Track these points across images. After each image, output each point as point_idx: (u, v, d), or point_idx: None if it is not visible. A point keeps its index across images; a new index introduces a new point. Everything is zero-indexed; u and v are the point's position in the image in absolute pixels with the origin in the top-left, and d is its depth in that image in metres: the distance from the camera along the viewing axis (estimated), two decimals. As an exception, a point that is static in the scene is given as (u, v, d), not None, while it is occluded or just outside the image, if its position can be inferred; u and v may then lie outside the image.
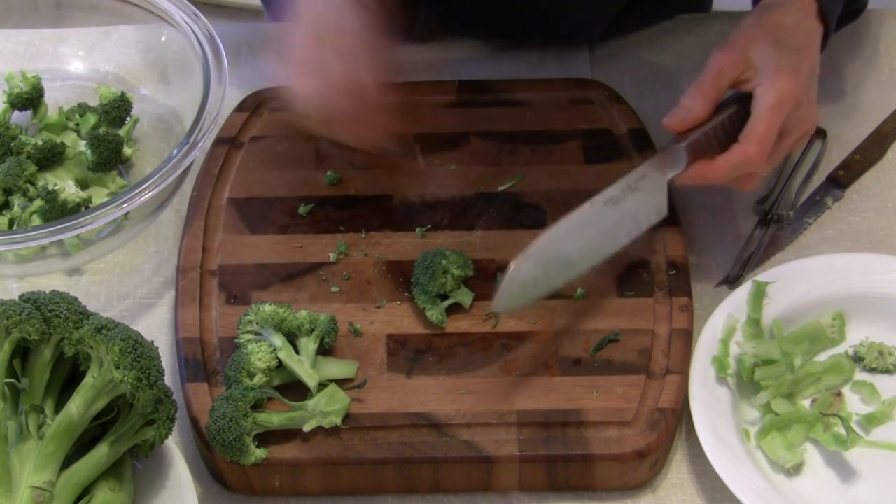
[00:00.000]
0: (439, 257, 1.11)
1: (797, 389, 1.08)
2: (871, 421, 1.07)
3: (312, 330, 1.08)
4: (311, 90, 1.08)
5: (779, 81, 1.09)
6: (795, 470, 1.05)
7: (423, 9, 1.34)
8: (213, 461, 1.05)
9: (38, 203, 1.20)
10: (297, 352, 1.07)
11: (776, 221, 1.22)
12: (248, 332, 1.08)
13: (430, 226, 1.19)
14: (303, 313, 1.08)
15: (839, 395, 1.09)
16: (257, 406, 1.04)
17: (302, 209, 1.20)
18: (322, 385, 1.06)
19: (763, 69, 1.10)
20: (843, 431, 1.05)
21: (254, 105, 1.29)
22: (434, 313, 1.11)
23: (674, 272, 1.14)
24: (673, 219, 1.18)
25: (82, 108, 1.29)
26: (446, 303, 1.12)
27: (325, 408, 1.04)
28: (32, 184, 1.22)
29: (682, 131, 1.11)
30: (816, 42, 1.14)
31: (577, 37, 1.37)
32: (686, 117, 1.11)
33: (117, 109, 1.27)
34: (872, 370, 1.11)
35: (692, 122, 1.11)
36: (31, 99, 1.29)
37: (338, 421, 1.04)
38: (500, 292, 1.03)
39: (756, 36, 1.12)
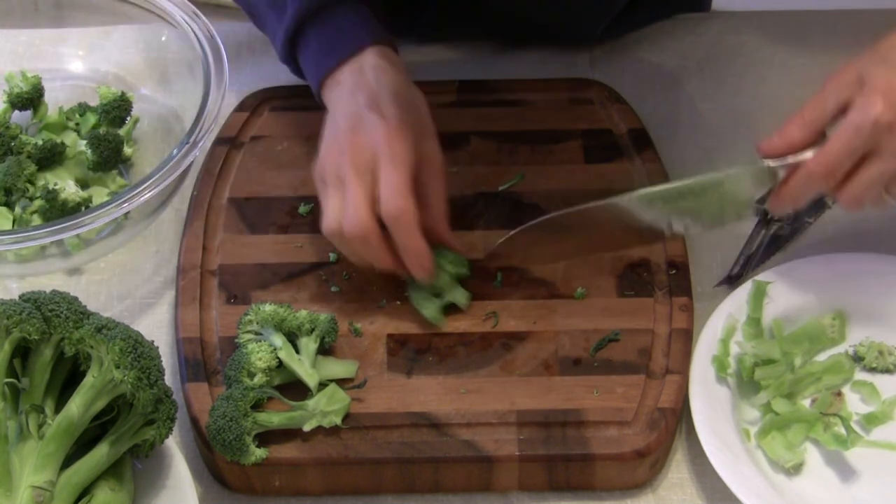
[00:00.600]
0: (435, 255, 1.11)
1: (797, 389, 1.08)
2: (871, 421, 1.07)
3: (312, 330, 1.08)
4: (329, 224, 1.09)
5: (871, 98, 1.00)
6: (795, 470, 1.05)
7: (426, 10, 1.34)
8: (213, 461, 1.05)
9: (38, 203, 1.20)
10: (297, 351, 1.07)
11: (776, 221, 1.22)
12: (248, 331, 1.08)
13: (430, 226, 1.19)
14: (303, 313, 1.08)
15: (839, 394, 1.09)
16: (257, 406, 1.05)
17: (302, 209, 1.20)
18: (322, 385, 1.06)
19: (860, 88, 1.02)
20: (843, 431, 1.05)
21: (254, 105, 1.29)
22: (429, 311, 1.11)
23: (674, 272, 1.14)
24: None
25: (82, 108, 1.29)
26: (441, 301, 1.12)
27: (325, 407, 1.04)
28: (32, 184, 1.22)
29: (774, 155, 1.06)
30: None
31: (577, 37, 1.37)
32: (778, 142, 1.05)
33: (117, 109, 1.27)
34: (872, 370, 1.11)
35: (784, 148, 1.05)
36: (31, 99, 1.29)
37: (338, 421, 1.04)
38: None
39: (868, 58, 1.04)
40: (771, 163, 1.06)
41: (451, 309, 1.12)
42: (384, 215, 1.06)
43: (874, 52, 1.04)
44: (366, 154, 1.07)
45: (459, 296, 1.12)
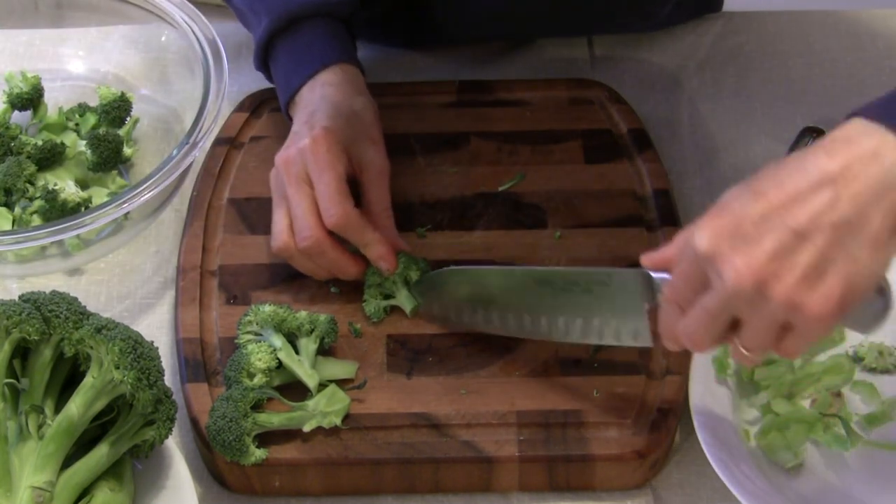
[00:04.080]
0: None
1: (797, 389, 1.08)
2: (871, 421, 1.07)
3: (312, 330, 1.08)
4: (277, 241, 1.12)
5: (700, 228, 0.86)
6: (795, 470, 1.05)
7: (434, 16, 1.34)
8: (213, 461, 1.05)
9: (38, 203, 1.20)
10: (297, 352, 1.07)
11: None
12: (247, 332, 1.08)
13: (430, 226, 1.19)
14: (303, 313, 1.08)
15: (839, 395, 1.09)
16: (257, 406, 1.05)
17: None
18: (322, 385, 1.06)
19: (707, 215, 0.88)
20: (843, 432, 1.05)
21: (254, 105, 1.29)
22: (369, 306, 1.11)
23: (674, 272, 1.14)
24: (673, 219, 1.18)
25: (82, 108, 1.29)
26: (385, 302, 1.12)
27: (325, 408, 1.04)
28: (32, 184, 1.22)
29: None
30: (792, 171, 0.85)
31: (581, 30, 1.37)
32: (656, 256, 0.95)
33: (117, 109, 1.27)
34: (872, 370, 1.11)
35: (657, 263, 0.94)
36: (31, 99, 1.29)
37: (338, 421, 1.04)
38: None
39: (748, 182, 0.88)
40: (652, 273, 0.95)
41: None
42: (329, 225, 1.09)
43: (771, 165, 0.88)
44: (297, 166, 1.10)
45: (406, 301, 1.12)
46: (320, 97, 1.15)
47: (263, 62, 1.21)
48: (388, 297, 1.12)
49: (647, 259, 0.95)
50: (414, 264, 1.12)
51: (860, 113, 0.86)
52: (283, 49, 1.19)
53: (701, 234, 0.85)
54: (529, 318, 1.06)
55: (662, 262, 0.94)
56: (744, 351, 0.89)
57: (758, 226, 0.84)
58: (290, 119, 1.18)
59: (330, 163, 1.09)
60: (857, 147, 0.84)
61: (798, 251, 0.83)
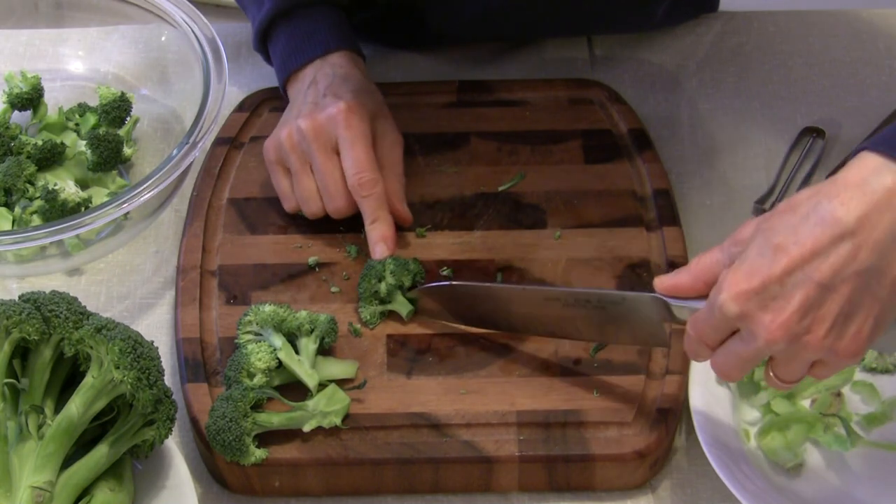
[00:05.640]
0: (380, 264, 1.12)
1: (797, 389, 1.08)
2: (871, 421, 1.07)
3: (312, 330, 1.08)
4: (310, 205, 1.17)
5: (729, 277, 0.89)
6: (795, 470, 1.05)
7: (431, 16, 1.34)
8: (213, 461, 1.05)
9: (38, 203, 1.20)
10: (296, 352, 1.07)
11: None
12: (247, 332, 1.08)
13: (430, 226, 1.19)
14: (303, 313, 1.08)
15: (839, 395, 1.09)
16: (257, 406, 1.04)
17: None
18: (322, 385, 1.06)
19: (739, 259, 0.90)
20: (843, 431, 1.05)
21: (254, 105, 1.29)
22: (365, 313, 1.12)
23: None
24: (673, 219, 1.18)
25: (82, 108, 1.29)
26: (381, 307, 1.12)
27: (325, 408, 1.04)
28: (32, 184, 1.22)
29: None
30: (827, 222, 0.87)
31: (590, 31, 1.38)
32: (667, 281, 0.96)
33: (117, 109, 1.27)
34: (872, 370, 1.11)
35: (670, 289, 0.96)
36: (31, 99, 1.29)
37: (338, 421, 1.04)
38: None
39: (771, 215, 0.90)
40: (665, 297, 0.97)
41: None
42: (354, 189, 1.13)
43: (784, 205, 0.90)
44: (327, 134, 1.14)
45: (401, 306, 1.12)
46: (333, 74, 1.18)
47: (262, 43, 1.24)
48: (383, 302, 1.12)
49: (661, 285, 0.97)
50: (406, 270, 1.12)
51: (870, 147, 0.87)
52: (285, 32, 1.21)
53: (729, 299, 0.88)
54: (538, 326, 1.08)
55: (677, 290, 0.96)
56: (777, 380, 0.93)
57: (783, 283, 0.87)
58: (286, 95, 1.21)
59: (363, 132, 1.14)
60: (872, 193, 0.86)
61: (825, 303, 0.87)
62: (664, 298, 0.97)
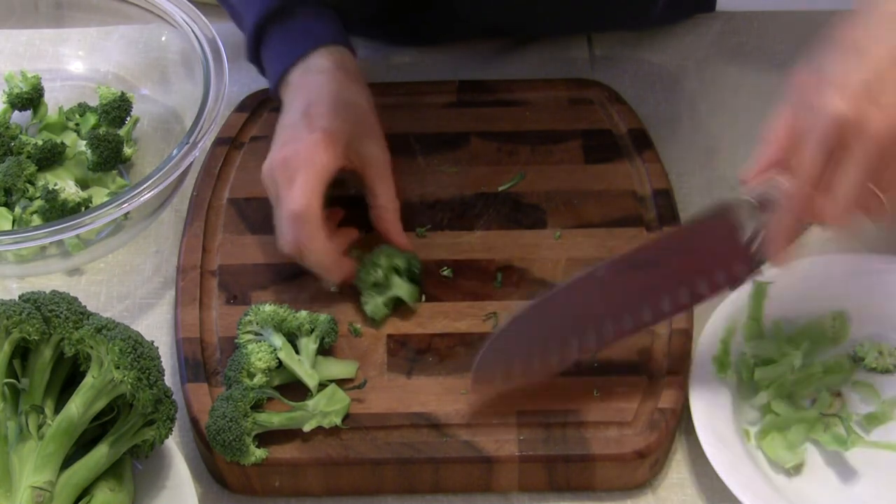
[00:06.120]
0: (370, 253, 1.12)
1: (797, 390, 1.08)
2: (871, 421, 1.07)
3: (312, 330, 1.08)
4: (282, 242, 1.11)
5: (826, 95, 0.91)
6: (795, 470, 1.05)
7: (427, 17, 1.34)
8: (213, 461, 1.05)
9: (38, 203, 1.20)
10: (297, 352, 1.07)
11: (776, 221, 1.21)
12: (248, 332, 1.08)
13: (430, 226, 1.19)
14: (303, 313, 1.08)
15: (839, 395, 1.09)
16: (257, 406, 1.05)
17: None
18: (322, 385, 1.06)
19: (821, 84, 0.93)
20: (843, 431, 1.05)
21: (254, 105, 1.29)
22: (369, 306, 1.11)
23: (674, 272, 1.14)
24: (673, 219, 1.18)
25: (82, 108, 1.29)
26: (383, 297, 1.11)
27: (325, 408, 1.04)
28: (32, 184, 1.22)
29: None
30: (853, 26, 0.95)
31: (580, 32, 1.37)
32: (757, 165, 0.97)
33: (117, 109, 1.27)
34: (872, 370, 1.11)
35: (764, 166, 0.97)
36: (31, 99, 1.29)
37: (338, 421, 1.04)
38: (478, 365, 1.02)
39: (824, 52, 0.96)
40: (752, 198, 0.97)
41: (449, 309, 1.12)
42: (286, 216, 1.09)
43: (831, 44, 0.97)
44: (291, 169, 1.10)
45: (403, 290, 1.11)
46: (316, 85, 1.14)
47: (255, 52, 1.21)
48: (382, 291, 1.12)
49: (750, 174, 0.96)
50: (397, 253, 1.12)
51: None
52: (275, 35, 1.18)
53: (834, 100, 0.88)
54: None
55: (765, 165, 0.95)
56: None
57: (884, 80, 0.88)
58: (280, 101, 1.18)
59: (321, 163, 1.09)
60: None
61: None
62: (747, 200, 0.95)
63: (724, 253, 1.00)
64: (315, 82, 1.14)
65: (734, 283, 1.02)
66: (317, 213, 1.08)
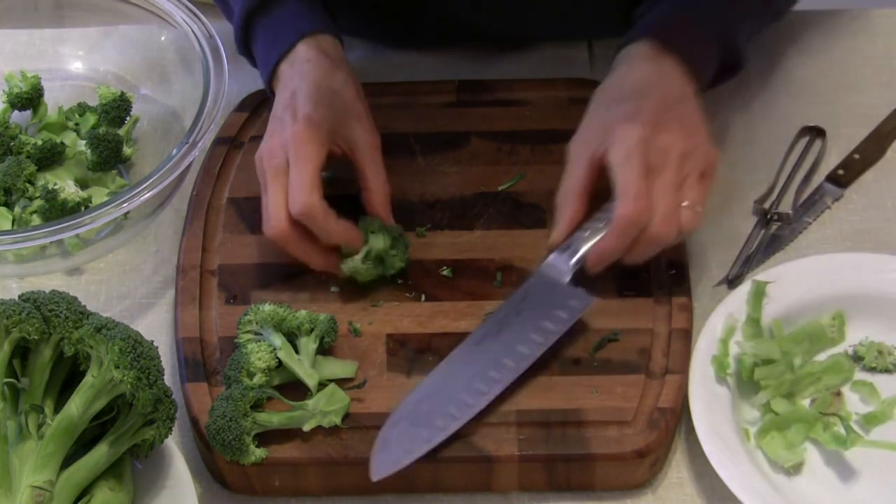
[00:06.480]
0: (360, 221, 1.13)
1: (797, 389, 1.08)
2: (870, 421, 1.07)
3: (312, 330, 1.08)
4: (266, 228, 1.12)
5: (619, 132, 1.07)
6: (795, 470, 1.05)
7: (424, 17, 1.34)
8: (213, 461, 1.05)
9: (38, 203, 1.20)
10: (296, 351, 1.07)
11: (776, 221, 1.22)
12: (247, 331, 1.08)
13: (429, 225, 1.19)
14: (302, 313, 1.08)
15: (839, 394, 1.09)
16: (257, 406, 1.05)
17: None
18: (322, 385, 1.06)
19: (605, 135, 1.08)
20: (842, 431, 1.05)
21: (254, 105, 1.29)
22: (347, 265, 1.11)
23: (673, 272, 1.14)
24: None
25: (82, 108, 1.29)
26: (360, 254, 1.11)
27: (324, 407, 1.04)
28: (32, 184, 1.22)
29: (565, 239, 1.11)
30: (659, 78, 1.12)
31: (578, 36, 1.37)
32: (564, 227, 1.10)
33: (117, 109, 1.27)
34: (872, 370, 1.11)
35: (570, 228, 1.10)
36: (30, 99, 1.29)
37: (338, 421, 1.04)
38: (376, 460, 1.02)
39: (592, 113, 1.13)
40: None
41: (449, 309, 1.12)
42: (294, 214, 1.09)
43: (597, 100, 1.14)
44: (278, 157, 1.11)
45: (378, 243, 1.12)
46: (300, 75, 1.16)
47: (245, 45, 1.22)
48: (375, 265, 1.13)
49: (556, 235, 1.11)
50: (381, 227, 1.13)
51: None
52: (260, 27, 1.20)
53: (636, 128, 1.07)
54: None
55: (570, 224, 1.10)
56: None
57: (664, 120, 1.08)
58: (273, 94, 1.19)
59: (308, 155, 1.10)
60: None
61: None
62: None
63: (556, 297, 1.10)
64: (299, 72, 1.16)
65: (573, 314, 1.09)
66: (320, 205, 1.09)
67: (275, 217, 1.10)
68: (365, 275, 1.13)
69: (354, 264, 1.12)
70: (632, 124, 1.07)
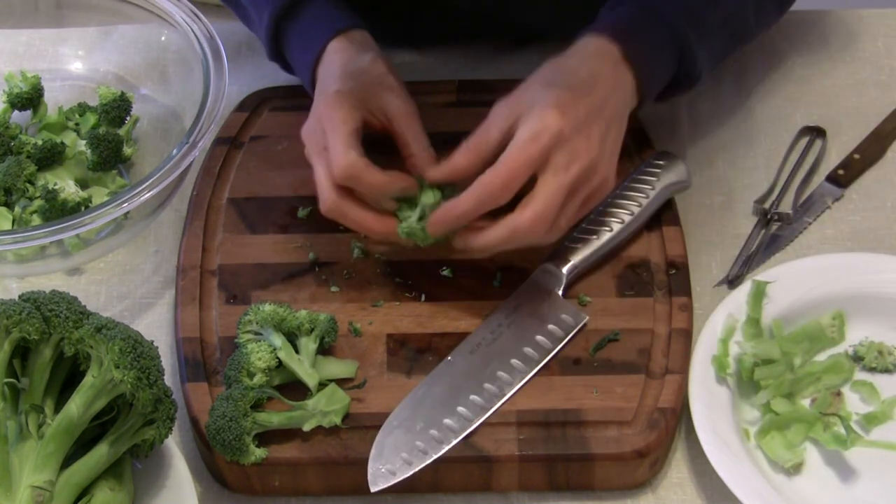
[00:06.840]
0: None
1: (797, 389, 1.08)
2: (870, 421, 1.07)
3: (312, 329, 1.08)
4: (322, 208, 1.11)
5: (539, 116, 1.04)
6: (795, 470, 1.05)
7: (425, 16, 1.34)
8: (213, 461, 1.05)
9: (38, 203, 1.20)
10: (296, 351, 1.07)
11: (776, 221, 1.22)
12: (247, 331, 1.08)
13: (430, 225, 1.19)
14: (302, 313, 1.08)
15: (839, 394, 1.09)
16: (257, 406, 1.05)
17: (301, 213, 1.20)
18: (322, 385, 1.06)
19: (528, 109, 1.05)
20: (842, 431, 1.05)
21: (254, 105, 1.29)
22: (404, 227, 1.09)
23: (673, 272, 1.14)
24: (673, 218, 1.18)
25: (82, 108, 1.29)
26: (414, 215, 1.09)
27: (324, 407, 1.04)
28: (32, 184, 1.22)
29: (439, 181, 1.09)
30: (609, 86, 1.09)
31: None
32: (445, 168, 1.08)
33: (117, 109, 1.27)
34: (872, 370, 1.11)
35: (451, 175, 1.08)
36: (30, 99, 1.29)
37: (338, 420, 1.04)
38: (372, 468, 1.02)
39: (531, 81, 1.09)
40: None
41: (449, 310, 1.12)
42: (335, 179, 1.08)
43: (536, 74, 1.10)
44: (316, 135, 1.11)
45: (428, 197, 1.10)
46: (330, 64, 1.16)
47: (277, 52, 1.22)
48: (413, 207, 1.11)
49: (433, 171, 1.10)
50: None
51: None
52: (291, 33, 1.20)
53: (551, 117, 1.04)
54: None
55: (451, 173, 1.08)
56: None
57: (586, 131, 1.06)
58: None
59: (339, 120, 1.10)
60: None
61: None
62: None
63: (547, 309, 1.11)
64: (329, 62, 1.17)
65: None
66: (359, 162, 1.08)
67: (324, 191, 1.09)
68: (423, 237, 1.10)
69: (409, 225, 1.09)
70: (558, 114, 1.04)
